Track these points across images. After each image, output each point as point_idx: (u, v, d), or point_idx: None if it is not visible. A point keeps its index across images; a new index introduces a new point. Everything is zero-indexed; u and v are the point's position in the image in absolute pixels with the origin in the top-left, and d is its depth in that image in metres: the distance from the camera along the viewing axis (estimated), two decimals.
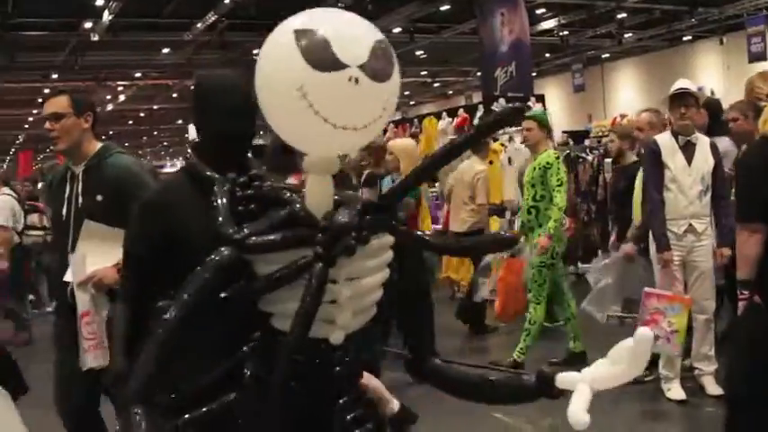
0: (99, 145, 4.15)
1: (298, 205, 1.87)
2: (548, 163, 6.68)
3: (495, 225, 9.32)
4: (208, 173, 2.21)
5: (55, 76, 26.55)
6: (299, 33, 1.66)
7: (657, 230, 5.72)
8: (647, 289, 5.55)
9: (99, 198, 3.95)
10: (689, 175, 5.69)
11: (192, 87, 2.63)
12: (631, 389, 5.82)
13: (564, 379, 1.88)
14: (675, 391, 5.81)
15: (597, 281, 6.57)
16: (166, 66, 26.18)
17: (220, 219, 1.92)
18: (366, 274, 1.91)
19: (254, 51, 24.36)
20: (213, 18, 18.86)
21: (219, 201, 2.01)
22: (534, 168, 6.78)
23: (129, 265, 2.61)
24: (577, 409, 1.74)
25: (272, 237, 1.83)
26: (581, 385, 1.81)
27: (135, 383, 1.76)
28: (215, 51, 23.86)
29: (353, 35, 1.71)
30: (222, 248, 1.82)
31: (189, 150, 3.13)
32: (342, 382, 1.92)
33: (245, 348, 1.94)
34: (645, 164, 6.00)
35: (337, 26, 1.71)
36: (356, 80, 1.65)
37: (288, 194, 1.98)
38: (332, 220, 1.81)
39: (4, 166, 18.74)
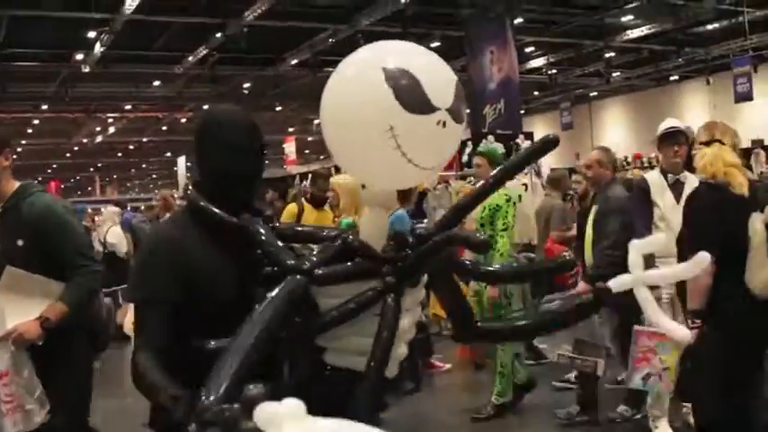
0: (17, 184, 3.79)
1: (350, 237, 1.87)
2: (497, 205, 6.30)
3: None
4: (220, 213, 2.16)
5: (45, 106, 26.55)
6: (390, 72, 1.65)
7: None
8: (637, 327, 5.50)
9: (19, 242, 3.60)
10: (678, 213, 5.70)
11: (199, 122, 2.41)
12: (620, 427, 5.86)
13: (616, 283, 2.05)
14: (663, 429, 5.80)
15: None
16: (157, 98, 26.27)
17: (274, 251, 1.88)
18: (418, 303, 1.95)
19: (245, 85, 24.51)
20: (204, 52, 18.93)
21: (265, 237, 1.98)
22: (484, 209, 6.32)
23: (150, 313, 2.18)
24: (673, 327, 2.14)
25: (340, 268, 1.82)
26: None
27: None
28: (205, 85, 23.94)
29: (442, 77, 1.73)
30: (291, 278, 1.73)
31: (189, 188, 2.39)
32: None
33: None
34: (633, 202, 6.02)
35: (427, 67, 1.71)
36: (444, 124, 1.67)
37: (325, 231, 2.01)
38: (399, 252, 1.83)
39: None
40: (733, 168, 4.07)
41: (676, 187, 5.75)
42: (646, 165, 15.44)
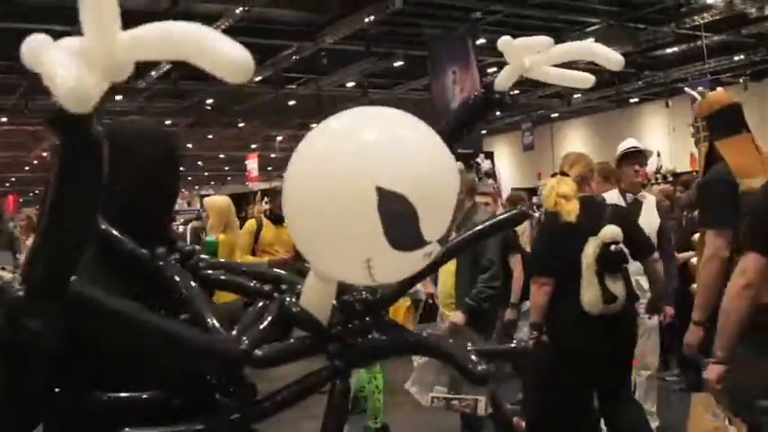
0: None
1: (292, 305, 1.62)
2: None
3: None
4: (131, 247, 1.81)
5: (4, 119, 26.24)
6: (386, 196, 1.30)
7: None
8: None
9: None
10: None
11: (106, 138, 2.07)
12: None
13: (501, 78, 1.94)
14: None
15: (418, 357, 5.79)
16: (118, 113, 26.08)
17: (207, 319, 1.64)
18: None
19: (208, 101, 24.43)
20: (167, 67, 18.84)
21: (189, 291, 1.74)
22: None
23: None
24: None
25: (283, 347, 1.58)
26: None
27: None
28: (168, 100, 23.83)
29: (444, 203, 1.42)
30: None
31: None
32: None
33: None
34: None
35: (430, 192, 1.36)
36: (430, 255, 1.42)
37: (254, 282, 1.78)
38: (347, 325, 1.64)
39: None
40: (562, 199, 4.43)
41: (634, 207, 5.79)
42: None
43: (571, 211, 4.43)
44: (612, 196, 5.81)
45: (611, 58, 1.91)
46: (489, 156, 13.69)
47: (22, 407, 1.63)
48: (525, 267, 6.41)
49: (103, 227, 1.83)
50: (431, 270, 1.90)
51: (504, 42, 1.88)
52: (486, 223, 2.06)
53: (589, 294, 4.40)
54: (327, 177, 1.35)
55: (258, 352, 1.52)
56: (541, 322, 4.69)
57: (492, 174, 12.10)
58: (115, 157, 1.87)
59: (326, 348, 1.61)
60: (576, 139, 31.04)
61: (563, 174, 4.69)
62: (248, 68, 1.08)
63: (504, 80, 1.93)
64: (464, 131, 2.09)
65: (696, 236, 4.65)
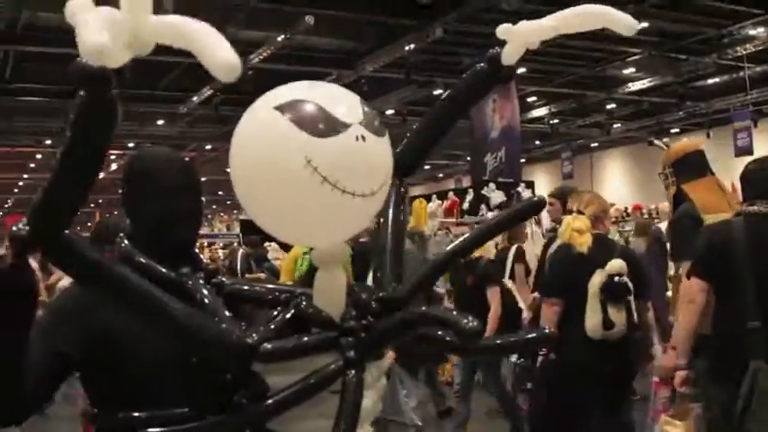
0: None
1: (304, 303, 1.65)
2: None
3: None
4: (156, 268, 1.87)
5: (48, 141, 26.66)
6: (285, 107, 1.49)
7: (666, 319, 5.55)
8: (655, 379, 5.42)
9: None
10: None
11: (127, 165, 2.13)
12: None
13: (506, 53, 1.86)
14: None
15: None
16: (160, 137, 26.40)
17: (218, 319, 1.67)
18: (381, 378, 1.75)
19: None
20: (209, 92, 19.06)
21: (207, 298, 1.77)
22: None
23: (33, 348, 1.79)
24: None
25: (290, 342, 1.59)
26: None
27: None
28: (209, 125, 24.07)
29: (341, 94, 1.57)
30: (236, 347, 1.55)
31: (124, 241, 1.98)
32: None
33: None
34: (651, 252, 5.95)
35: (321, 90, 1.56)
36: (363, 137, 1.49)
37: (275, 292, 1.79)
38: (361, 321, 1.63)
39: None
40: (575, 233, 4.86)
41: None
42: (646, 216, 15.49)
43: (584, 243, 4.83)
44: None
45: (626, 22, 1.78)
46: (530, 185, 13.64)
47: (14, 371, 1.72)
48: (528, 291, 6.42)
49: (126, 248, 1.97)
50: (444, 264, 1.95)
51: (503, 30, 1.85)
52: (505, 213, 2.07)
53: (592, 320, 4.73)
54: (246, 127, 1.57)
55: (267, 345, 1.55)
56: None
57: None
58: (140, 184, 2.04)
59: (338, 342, 1.62)
60: (614, 169, 30.84)
61: (578, 212, 5.09)
62: (233, 69, 1.26)
63: (509, 55, 1.86)
64: (464, 105, 2.10)
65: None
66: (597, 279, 4.77)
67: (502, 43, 1.86)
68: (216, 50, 1.26)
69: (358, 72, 17.36)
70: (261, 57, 15.72)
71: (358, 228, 1.70)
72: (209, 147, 27.47)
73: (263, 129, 1.51)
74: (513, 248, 8.15)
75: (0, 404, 1.77)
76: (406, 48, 15.71)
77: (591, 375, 4.78)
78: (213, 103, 20.01)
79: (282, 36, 14.59)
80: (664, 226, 5.81)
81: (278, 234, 1.60)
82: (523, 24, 1.81)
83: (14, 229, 1.42)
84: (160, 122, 23.99)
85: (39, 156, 30.19)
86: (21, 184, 36.89)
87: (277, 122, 1.48)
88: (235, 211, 39.44)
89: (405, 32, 15.37)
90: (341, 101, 1.54)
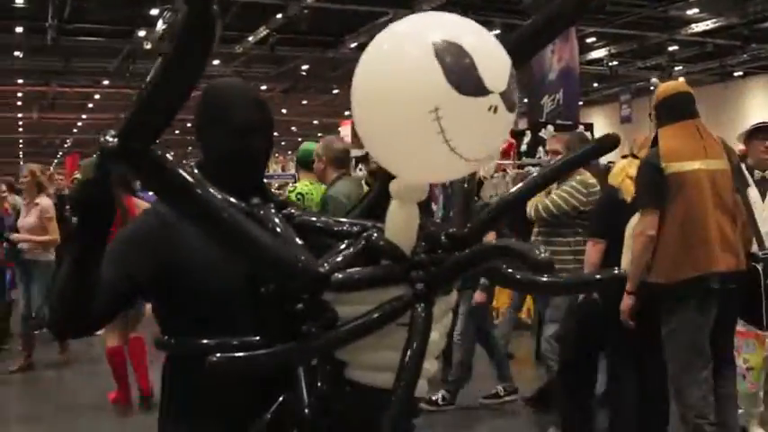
0: None
1: (375, 235, 1.66)
2: (299, 194, 5.77)
3: None
4: (229, 199, 1.84)
5: (106, 82, 26.97)
6: (441, 47, 1.41)
7: None
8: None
9: None
10: (763, 211, 5.51)
11: (201, 98, 2.12)
12: None
13: None
14: (755, 430, 5.58)
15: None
16: (215, 77, 26.44)
17: (292, 247, 1.69)
18: (449, 311, 1.75)
19: (304, 67, 24.62)
20: (264, 32, 19.04)
21: (280, 227, 1.79)
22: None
23: (107, 268, 1.85)
24: None
25: (361, 272, 1.60)
26: None
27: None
28: (265, 65, 24.11)
29: (497, 58, 1.50)
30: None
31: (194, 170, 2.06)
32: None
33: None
34: None
35: (482, 45, 1.47)
36: (495, 109, 1.44)
37: (347, 226, 1.79)
38: (431, 254, 1.64)
39: (51, 169, 18.98)
40: (628, 180, 4.96)
41: (762, 184, 5.54)
42: None
43: (630, 192, 4.89)
44: None
45: None
46: (588, 128, 13.40)
47: (90, 285, 1.78)
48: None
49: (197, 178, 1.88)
50: (513, 204, 1.91)
51: None
52: (579, 151, 2.04)
53: (626, 258, 4.76)
54: (386, 48, 1.50)
55: (338, 275, 1.57)
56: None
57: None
58: (211, 116, 2.05)
59: (408, 275, 1.61)
60: None
61: (633, 156, 5.14)
62: None
63: None
64: (552, 33, 2.01)
65: None
66: (634, 220, 4.76)
67: None
68: None
69: (415, 11, 16.97)
70: None
71: (448, 179, 1.73)
72: (263, 87, 27.51)
73: (408, 58, 1.44)
74: None
75: (71, 313, 1.83)
76: None
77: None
78: (269, 42, 20.00)
79: None
80: None
81: (372, 152, 1.59)
82: None
83: (103, 140, 1.41)
84: (216, 62, 24.07)
85: (97, 96, 30.58)
86: (79, 124, 37.46)
87: (425, 58, 1.41)
88: (289, 152, 39.65)
89: None
90: (493, 63, 1.47)
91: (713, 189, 4.45)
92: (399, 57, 1.45)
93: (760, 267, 4.55)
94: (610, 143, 1.87)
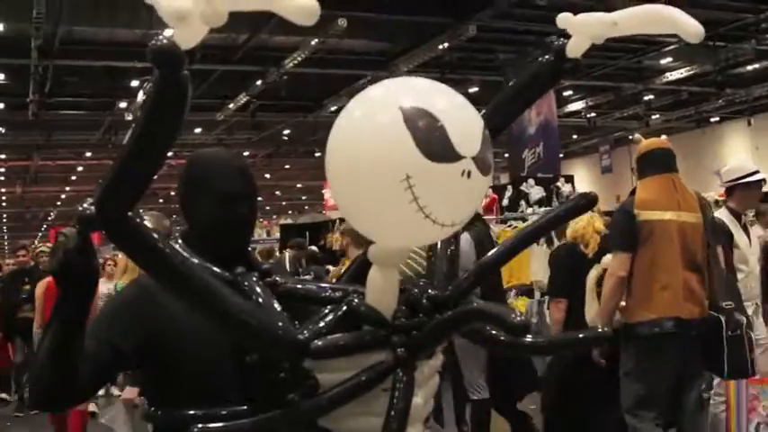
0: None
1: (356, 301, 1.65)
2: None
3: (521, 307, 9.26)
4: (210, 267, 1.85)
5: (89, 154, 27.04)
6: (411, 113, 1.40)
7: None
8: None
9: None
10: (752, 255, 5.64)
11: (185, 167, 2.11)
12: None
13: (572, 46, 1.82)
14: None
15: None
16: (197, 145, 26.65)
17: (273, 317, 1.68)
18: (434, 374, 1.75)
19: (285, 131, 24.77)
20: (245, 99, 19.18)
21: (262, 296, 1.78)
22: None
23: (89, 341, 1.84)
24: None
25: (342, 339, 1.59)
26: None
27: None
28: (246, 131, 24.23)
29: (468, 121, 1.49)
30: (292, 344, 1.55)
31: (178, 239, 2.09)
32: None
33: None
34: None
35: (451, 109, 1.47)
36: (468, 174, 1.43)
37: (329, 292, 1.79)
38: (412, 319, 1.63)
39: (36, 242, 18.92)
40: (596, 235, 5.27)
41: (745, 229, 5.67)
42: None
43: (594, 247, 5.23)
44: (726, 218, 5.65)
45: (691, 28, 1.68)
46: (569, 180, 13.52)
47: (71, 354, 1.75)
48: None
49: (181, 251, 1.88)
50: (495, 264, 1.93)
51: (563, 19, 1.78)
52: (555, 211, 2.06)
53: (590, 312, 4.95)
54: (357, 116, 1.49)
55: (318, 342, 1.56)
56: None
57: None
58: (195, 185, 2.04)
59: (389, 340, 1.60)
60: None
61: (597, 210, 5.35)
62: (312, 11, 1.26)
63: (575, 48, 1.82)
64: (528, 99, 2.04)
65: None
66: (593, 273, 5.06)
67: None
68: None
69: (392, 73, 17.33)
70: (295, 61, 15.80)
71: (426, 243, 1.72)
72: (246, 153, 27.63)
73: (378, 125, 1.44)
74: None
75: (54, 386, 1.80)
76: (440, 47, 15.70)
77: (592, 365, 4.87)
78: (250, 109, 20.14)
79: (316, 40, 14.63)
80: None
81: (348, 218, 1.59)
82: (584, 16, 1.76)
83: (80, 208, 1.43)
84: (198, 130, 24.18)
85: (80, 168, 30.62)
86: (63, 196, 37.40)
87: (395, 126, 1.41)
88: (274, 216, 39.68)
89: (438, 31, 15.34)
90: (465, 127, 1.46)
91: (682, 240, 4.60)
92: (369, 124, 1.45)
93: (723, 318, 4.57)
94: (588, 202, 1.89)
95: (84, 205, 1.43)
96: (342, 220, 12.23)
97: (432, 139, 1.40)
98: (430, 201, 1.42)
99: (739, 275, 5.51)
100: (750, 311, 5.41)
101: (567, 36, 1.82)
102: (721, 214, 5.72)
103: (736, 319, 4.59)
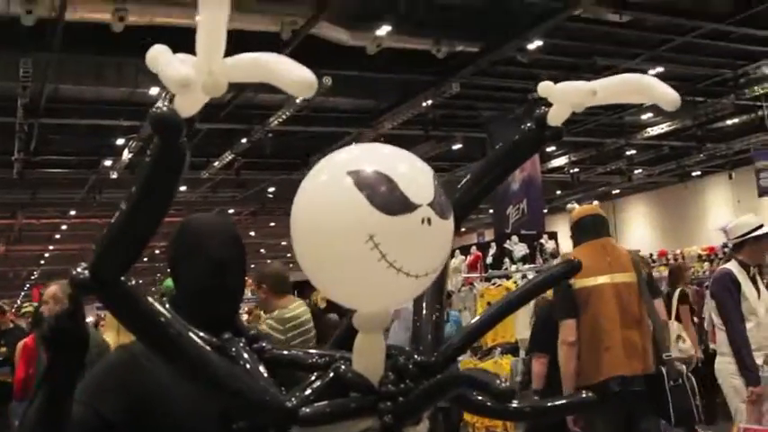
0: None
1: (343, 367, 1.65)
2: None
3: (506, 366, 9.22)
4: (200, 334, 1.78)
5: (73, 212, 26.97)
6: (359, 176, 1.46)
7: (751, 364, 5.50)
8: (743, 425, 5.32)
9: None
10: (761, 306, 5.67)
11: (176, 233, 2.13)
12: None
13: (552, 114, 1.85)
14: None
15: None
16: (182, 203, 26.65)
17: (261, 383, 1.67)
18: None
19: (270, 189, 24.82)
20: (230, 157, 19.25)
21: (249, 362, 1.77)
22: None
23: (77, 408, 1.82)
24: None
25: (329, 406, 1.59)
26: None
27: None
28: (231, 189, 24.28)
29: (416, 172, 1.53)
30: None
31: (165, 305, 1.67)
32: None
33: None
34: (725, 297, 5.82)
35: (397, 163, 1.52)
36: (428, 221, 1.47)
37: (316, 358, 1.79)
38: (399, 385, 1.63)
39: (18, 302, 18.79)
40: None
41: (754, 280, 5.73)
42: (672, 261, 15.38)
43: None
44: (736, 269, 5.74)
45: (669, 97, 1.73)
46: (553, 236, 13.55)
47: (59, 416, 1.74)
48: None
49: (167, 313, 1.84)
50: (480, 331, 1.95)
51: (544, 88, 1.81)
52: (540, 277, 2.06)
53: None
54: (311, 188, 1.53)
55: (306, 409, 1.56)
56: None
57: (556, 255, 12.00)
58: (187, 250, 2.05)
59: (376, 407, 1.60)
60: (638, 216, 30.73)
61: None
62: (310, 85, 1.30)
63: (555, 117, 1.86)
64: (510, 166, 2.07)
65: None
66: None
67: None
68: (291, 71, 1.31)
69: (377, 130, 17.49)
70: (279, 119, 15.89)
71: (407, 301, 1.72)
72: (231, 211, 27.65)
73: (331, 192, 1.48)
74: (677, 292, 9.03)
75: None
76: (424, 104, 15.84)
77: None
78: (234, 167, 20.21)
79: (300, 99, 14.74)
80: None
81: (324, 290, 1.61)
82: (565, 85, 1.80)
83: (74, 272, 1.43)
84: (183, 188, 24.19)
85: (64, 227, 30.51)
86: (47, 255, 37.21)
87: (347, 190, 1.45)
88: None
89: (422, 88, 15.50)
90: (414, 177, 1.50)
91: (618, 300, 4.91)
92: (328, 190, 1.49)
93: (664, 370, 4.84)
94: (573, 269, 1.97)
95: (78, 269, 1.43)
96: None
97: (386, 196, 1.44)
98: (399, 254, 1.45)
99: (748, 325, 5.59)
100: (760, 361, 5.54)
101: (549, 104, 1.86)
102: (732, 266, 5.84)
103: (677, 369, 4.88)
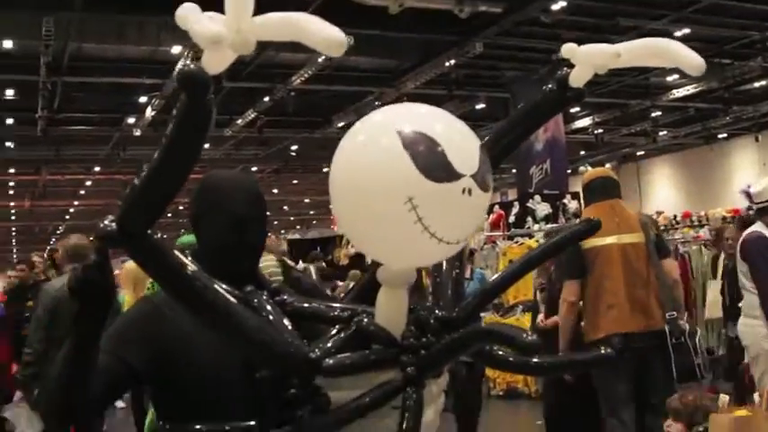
0: None
1: (366, 320, 1.68)
2: None
3: (527, 323, 9.25)
4: (223, 287, 1.77)
5: (97, 168, 27.11)
6: (409, 138, 1.46)
7: None
8: None
9: None
10: None
11: (199, 188, 2.14)
12: None
13: (575, 75, 1.86)
14: None
15: None
16: (205, 161, 26.68)
17: (285, 334, 1.69)
18: (441, 392, 1.79)
19: (292, 147, 24.83)
20: (252, 115, 19.24)
21: (273, 314, 1.79)
22: None
23: (102, 358, 1.85)
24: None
25: (352, 358, 1.62)
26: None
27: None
28: (253, 147, 24.29)
29: (465, 141, 1.53)
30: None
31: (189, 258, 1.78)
32: None
33: None
34: (758, 259, 5.70)
35: (448, 130, 1.51)
36: (469, 191, 1.48)
37: (338, 311, 1.82)
38: (421, 339, 1.66)
39: (44, 255, 18.92)
40: None
41: None
42: (696, 223, 15.27)
43: None
44: (761, 228, 5.60)
45: (693, 62, 1.76)
46: (576, 196, 13.51)
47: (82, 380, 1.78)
48: None
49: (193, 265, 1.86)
50: (501, 287, 2.00)
51: (567, 49, 1.82)
52: (559, 236, 2.07)
53: None
54: (359, 142, 1.54)
55: (329, 360, 1.59)
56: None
57: (579, 215, 11.97)
58: (209, 206, 2.06)
59: (398, 359, 1.64)
60: (662, 177, 30.50)
61: None
62: (340, 43, 1.31)
63: (578, 78, 1.87)
64: (531, 126, 2.10)
65: None
66: None
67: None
68: (322, 30, 1.32)
69: (399, 90, 17.41)
70: (302, 78, 15.84)
71: (434, 262, 1.75)
72: (254, 168, 27.68)
73: (378, 151, 1.48)
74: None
75: (68, 399, 1.82)
76: (447, 63, 15.73)
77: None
78: (257, 125, 20.20)
79: (323, 57, 14.67)
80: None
81: (356, 242, 1.64)
82: (589, 47, 1.80)
83: (102, 225, 1.46)
84: (206, 146, 24.11)
85: (88, 183, 30.70)
86: (71, 211, 37.47)
87: (394, 149, 1.45)
88: (282, 231, 39.75)
89: (445, 48, 15.38)
90: (462, 147, 1.51)
91: (624, 259, 5.00)
92: (371, 149, 1.50)
93: (667, 328, 4.89)
94: (592, 228, 1.97)
95: (105, 222, 1.46)
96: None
97: (431, 161, 1.44)
98: (434, 220, 1.46)
99: None
100: None
101: (572, 65, 1.85)
102: (760, 227, 5.67)
103: (680, 327, 4.92)
